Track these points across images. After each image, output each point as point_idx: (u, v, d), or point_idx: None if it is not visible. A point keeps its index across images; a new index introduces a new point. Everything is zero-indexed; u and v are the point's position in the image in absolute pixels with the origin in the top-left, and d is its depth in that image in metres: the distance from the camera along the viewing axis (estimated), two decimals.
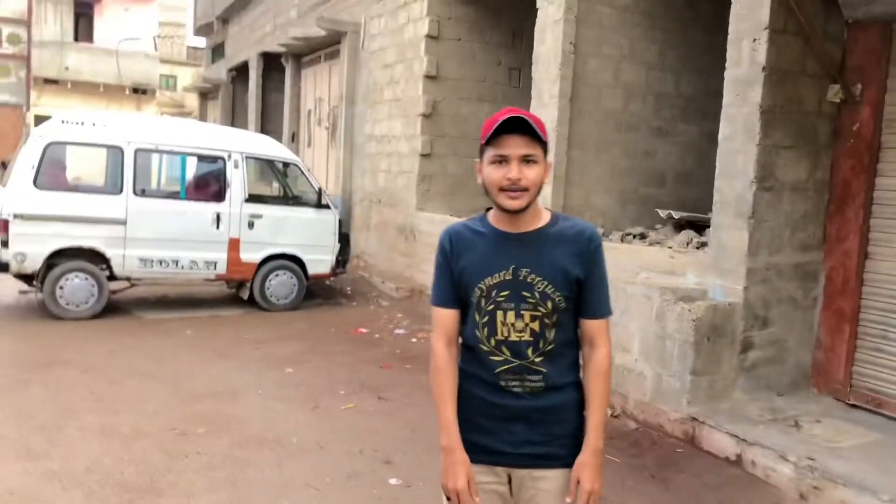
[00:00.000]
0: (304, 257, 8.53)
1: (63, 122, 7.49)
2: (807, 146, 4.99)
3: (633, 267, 5.72)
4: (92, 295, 7.50)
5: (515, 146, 1.84)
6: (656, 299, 4.99)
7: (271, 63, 15.92)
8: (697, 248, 5.71)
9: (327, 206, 8.73)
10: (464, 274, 1.95)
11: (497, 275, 1.91)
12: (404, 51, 9.85)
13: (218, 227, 8.01)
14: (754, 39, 4.80)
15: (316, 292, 9.34)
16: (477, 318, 1.94)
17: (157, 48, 29.92)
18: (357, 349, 6.98)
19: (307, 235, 8.57)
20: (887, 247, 4.79)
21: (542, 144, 1.87)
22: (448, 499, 1.97)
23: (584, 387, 2.00)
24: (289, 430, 4.75)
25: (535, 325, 1.91)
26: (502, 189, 1.86)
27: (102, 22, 28.25)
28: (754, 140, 4.78)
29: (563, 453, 1.97)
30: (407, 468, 4.20)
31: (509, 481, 2.00)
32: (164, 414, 4.94)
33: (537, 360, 1.92)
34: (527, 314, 1.91)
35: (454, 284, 1.98)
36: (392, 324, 8.03)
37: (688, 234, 6.22)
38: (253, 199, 8.30)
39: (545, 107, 6.86)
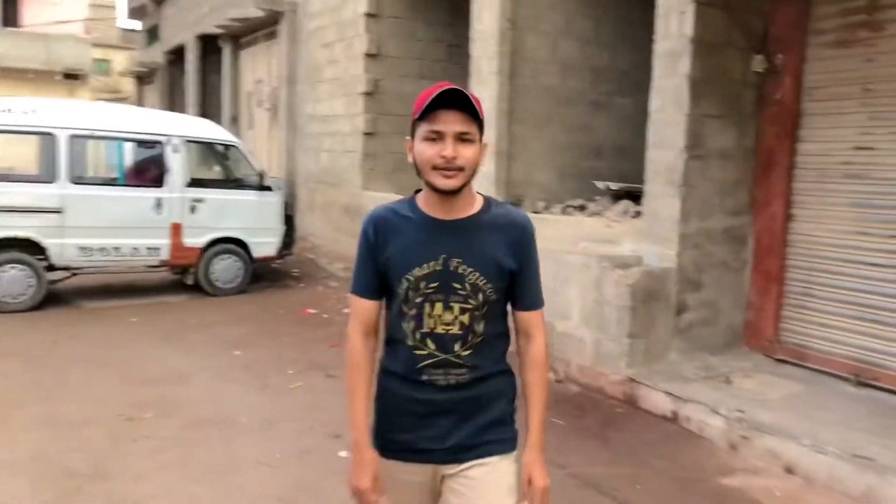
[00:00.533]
0: (249, 240, 8.47)
1: None
2: (734, 115, 5.20)
3: (573, 237, 5.88)
4: (30, 286, 7.32)
5: (451, 122, 1.71)
6: (594, 267, 5.16)
7: (209, 45, 15.63)
8: (634, 217, 5.90)
9: (270, 188, 8.67)
10: (390, 263, 1.83)
11: (426, 265, 1.79)
12: (344, 29, 9.80)
13: (159, 212, 7.89)
14: (682, 13, 4.97)
15: (262, 275, 9.30)
16: (405, 309, 1.82)
17: (89, 31, 28.92)
18: (305, 330, 7.01)
19: (251, 218, 8.51)
20: (809, 209, 5.04)
21: (479, 123, 1.75)
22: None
23: (522, 379, 1.92)
24: (238, 411, 4.78)
25: (465, 318, 1.80)
26: (436, 167, 1.73)
27: (30, 5, 27.17)
28: (683, 110, 4.96)
29: (494, 439, 1.88)
30: None
31: (441, 479, 1.90)
32: (110, 400, 4.91)
33: (464, 353, 1.82)
34: (456, 306, 1.80)
35: (377, 274, 1.86)
36: (340, 304, 8.06)
37: (625, 204, 6.41)
38: (194, 183, 8.19)
39: (484, 83, 6.95)
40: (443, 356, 1.81)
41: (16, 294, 7.25)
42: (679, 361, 5.16)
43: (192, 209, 8.08)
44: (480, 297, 1.80)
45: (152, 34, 20.80)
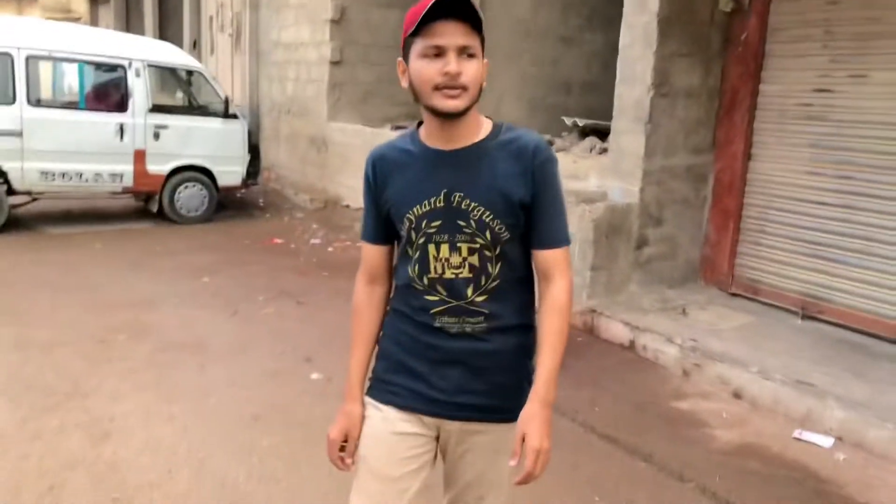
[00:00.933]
0: (214, 168, 8.41)
1: None
2: (700, 54, 5.29)
3: None
4: None
5: (452, 34, 1.50)
6: None
7: None
8: (600, 153, 6.02)
9: (235, 116, 8.57)
10: (390, 203, 1.67)
11: (427, 202, 1.61)
12: None
13: (122, 138, 7.78)
14: None
15: (227, 205, 9.26)
16: (410, 252, 1.66)
17: None
18: (273, 259, 7.07)
19: (215, 146, 8.43)
20: (767, 149, 5.21)
21: (481, 36, 1.55)
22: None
23: (538, 325, 1.67)
24: (209, 335, 4.88)
25: (475, 259, 1.61)
26: (437, 87, 1.52)
27: None
28: (652, 48, 5.03)
29: (507, 406, 1.67)
30: (327, 364, 4.42)
31: (437, 438, 1.74)
32: (80, 324, 4.95)
33: (479, 299, 1.63)
34: (464, 247, 1.61)
35: (382, 217, 1.71)
36: (307, 234, 8.11)
37: (592, 140, 6.52)
38: (157, 109, 8.06)
39: None
40: (455, 303, 1.64)
41: None
42: (638, 294, 5.38)
43: (156, 136, 7.98)
44: (489, 234, 1.60)
45: None
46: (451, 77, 1.50)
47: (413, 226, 1.63)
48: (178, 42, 13.65)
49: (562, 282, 1.65)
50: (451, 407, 1.68)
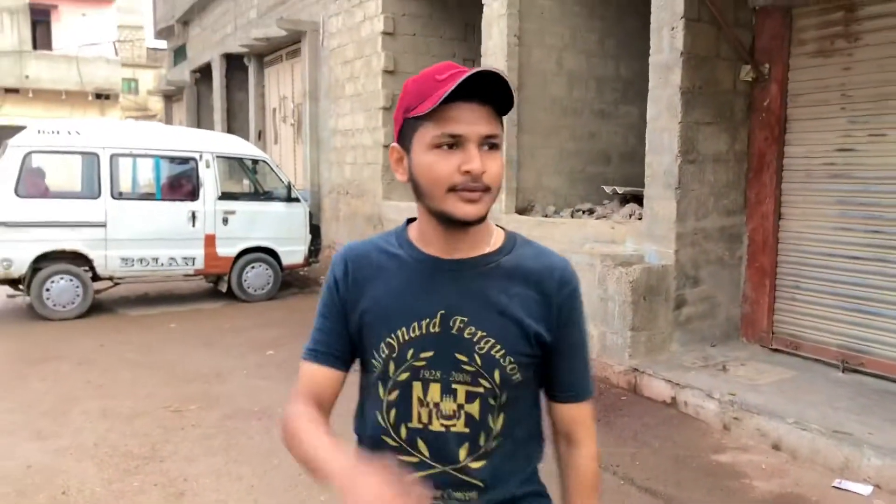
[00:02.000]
0: (278, 249, 8.99)
1: (39, 131, 7.86)
2: (725, 122, 5.58)
3: (580, 239, 6.29)
4: (77, 295, 7.90)
5: (475, 122, 1.17)
6: (598, 266, 5.56)
7: (234, 63, 16.23)
8: (639, 218, 6.29)
9: (297, 200, 9.20)
10: (365, 321, 1.30)
11: (417, 325, 1.25)
12: (362, 47, 10.30)
13: (194, 224, 8.44)
14: (672, 28, 5.36)
15: (291, 282, 9.82)
16: (380, 392, 1.29)
17: (117, 52, 29.88)
18: None
19: (280, 228, 9.03)
20: (796, 207, 5.41)
21: (502, 123, 1.24)
22: None
23: (570, 500, 1.37)
24: (274, 403, 5.24)
25: (474, 408, 1.25)
26: (454, 188, 1.19)
27: (60, 28, 28.13)
28: (677, 118, 5.35)
29: None
30: None
31: None
32: (157, 396, 5.41)
33: (474, 464, 1.26)
34: (461, 390, 1.25)
35: (345, 334, 1.33)
36: None
37: (631, 206, 6.80)
38: (226, 196, 8.74)
39: None
40: (440, 468, 1.26)
41: (65, 303, 7.82)
42: (680, 352, 5.54)
43: (225, 221, 8.62)
44: (497, 375, 1.24)
45: (179, 54, 21.53)
46: (474, 177, 1.17)
47: (394, 355, 1.26)
48: (244, 132, 14.66)
49: (591, 447, 1.37)
50: None
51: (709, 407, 4.70)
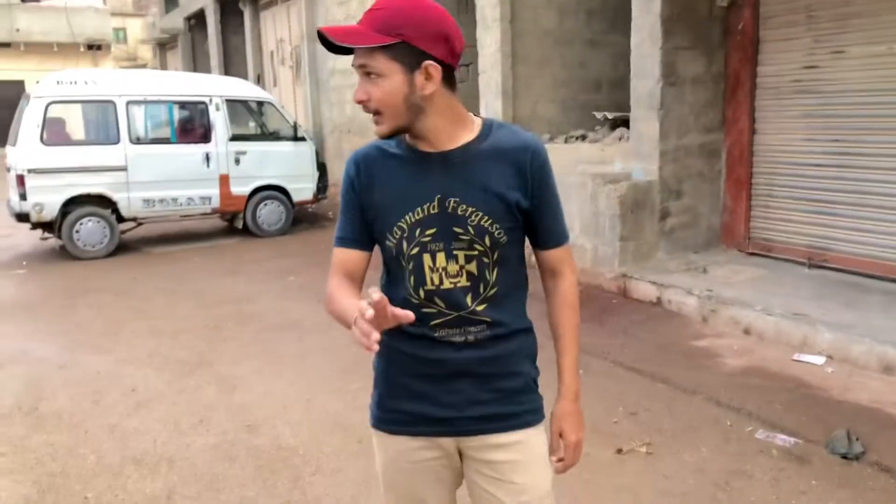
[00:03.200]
0: (289, 186, 9.51)
1: (58, 82, 8.28)
2: (703, 46, 6.03)
3: (573, 162, 6.80)
4: (105, 236, 8.45)
5: (356, 55, 1.46)
6: (589, 184, 6.10)
7: (228, 8, 16.41)
8: (627, 140, 6.79)
9: (304, 139, 9.67)
10: (379, 210, 1.56)
11: (420, 209, 1.52)
12: None
13: (208, 165, 8.94)
14: None
15: (301, 218, 10.36)
16: (402, 265, 1.56)
17: (106, 2, 29.70)
18: None
19: (289, 166, 9.53)
20: (768, 123, 5.92)
21: (395, 48, 1.42)
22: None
23: (551, 321, 1.69)
24: (302, 318, 5.86)
25: (472, 267, 1.54)
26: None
27: None
28: (657, 45, 5.81)
29: (519, 411, 1.64)
30: None
31: (460, 455, 1.66)
32: (196, 317, 6.01)
33: (479, 308, 1.56)
34: (461, 254, 1.53)
35: (365, 223, 1.59)
36: None
37: (621, 130, 7.28)
38: (236, 137, 9.21)
39: (489, 29, 7.80)
40: (455, 314, 1.56)
41: (94, 243, 8.39)
42: (665, 259, 6.13)
43: (237, 161, 9.11)
44: (487, 240, 1.53)
45: (170, 1, 21.56)
46: (362, 104, 1.48)
47: (406, 235, 1.53)
48: (242, 77, 14.96)
49: (571, 277, 1.68)
50: (464, 422, 1.60)
51: (689, 302, 5.30)
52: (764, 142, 5.96)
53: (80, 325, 5.89)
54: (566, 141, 7.68)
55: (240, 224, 9.50)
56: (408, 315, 1.28)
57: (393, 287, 1.60)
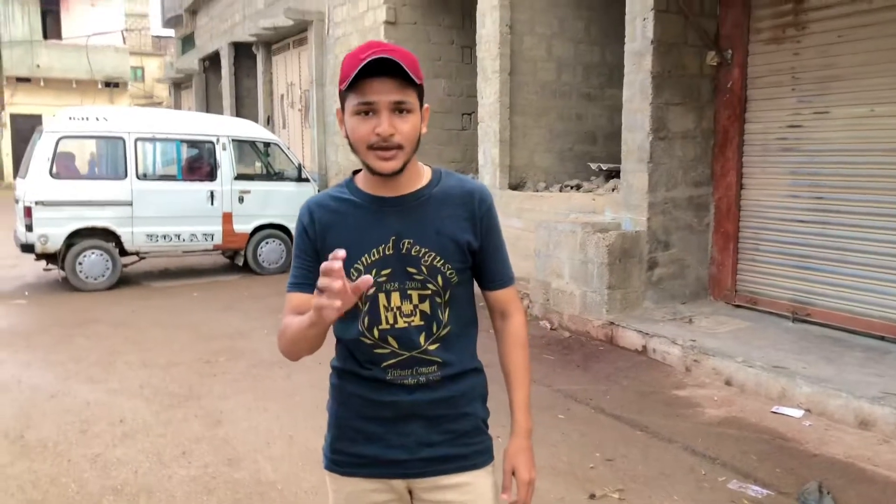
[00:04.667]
0: (290, 226, 9.67)
1: (70, 118, 8.54)
2: (692, 102, 6.22)
3: (566, 210, 6.96)
4: (107, 268, 8.61)
5: (384, 91, 1.48)
6: (579, 233, 6.24)
7: (242, 51, 16.86)
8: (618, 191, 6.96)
9: (307, 180, 9.88)
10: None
11: (375, 250, 1.58)
12: (366, 35, 10.93)
13: (212, 203, 9.13)
14: (644, 18, 6.00)
15: None
16: (357, 305, 1.53)
17: (126, 41, 30.48)
18: None
19: (292, 206, 9.70)
20: (755, 178, 6.07)
21: (417, 88, 1.53)
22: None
23: (502, 361, 1.75)
24: None
25: (426, 306, 1.60)
26: (371, 147, 1.51)
27: (69, 18, 28.73)
28: (648, 100, 6.00)
29: (469, 452, 1.68)
30: None
31: (411, 496, 1.69)
32: (189, 350, 6.12)
33: (432, 347, 1.61)
34: (414, 294, 1.59)
35: (316, 266, 1.50)
36: None
37: (614, 181, 7.46)
38: (241, 177, 9.44)
39: (489, 81, 8.03)
40: (407, 354, 1.60)
41: (96, 275, 8.54)
42: (652, 308, 6.22)
43: (241, 199, 9.31)
44: (440, 279, 1.59)
45: (187, 42, 22.15)
46: (384, 138, 1.49)
47: (362, 276, 1.46)
48: (253, 118, 15.32)
49: (519, 316, 1.75)
50: (415, 464, 1.63)
51: (673, 352, 5.38)
52: (751, 197, 6.10)
53: (76, 355, 6.00)
54: (561, 190, 7.85)
55: (241, 262, 9.66)
56: (366, 280, 1.31)
57: (346, 328, 1.63)
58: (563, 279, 6.44)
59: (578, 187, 7.87)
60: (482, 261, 1.67)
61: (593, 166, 8.04)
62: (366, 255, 1.58)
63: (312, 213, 1.64)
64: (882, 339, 5.22)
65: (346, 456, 1.67)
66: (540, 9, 8.15)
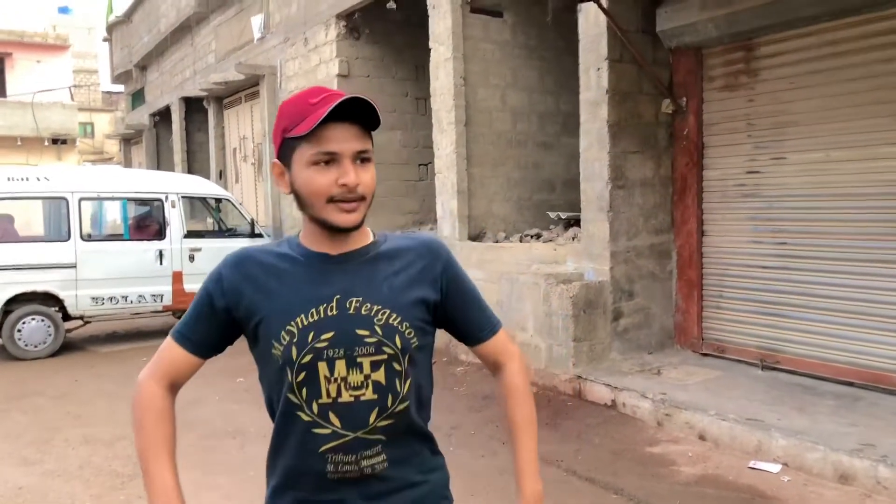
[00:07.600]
0: None
1: (9, 178, 8.17)
2: (650, 150, 6.20)
3: (527, 261, 6.83)
4: (49, 335, 8.16)
5: (347, 139, 1.34)
6: (542, 284, 6.09)
7: (193, 105, 16.63)
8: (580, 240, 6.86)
9: (261, 235, 9.60)
10: (260, 316, 1.40)
11: (314, 311, 1.37)
12: None
13: (161, 262, 8.79)
14: (598, 68, 5.99)
15: None
16: (288, 376, 1.37)
17: (74, 97, 29.99)
18: None
19: None
20: (716, 224, 6.04)
21: (371, 138, 1.40)
22: None
23: (508, 416, 1.54)
24: (246, 424, 5.62)
25: (380, 376, 1.37)
26: (332, 200, 1.35)
27: (14, 76, 28.19)
28: (606, 149, 5.95)
29: None
30: None
31: None
32: None
33: (381, 424, 1.38)
34: (365, 361, 1.36)
35: (220, 328, 1.46)
36: None
37: (574, 230, 7.37)
38: (192, 234, 9.13)
39: (444, 132, 7.95)
40: (352, 435, 1.36)
41: (37, 343, 8.09)
42: (619, 360, 6.07)
43: (191, 258, 8.98)
44: (398, 340, 1.38)
45: (137, 97, 21.83)
46: (350, 189, 1.35)
47: (295, 340, 1.36)
48: (205, 173, 15.04)
49: (513, 363, 1.56)
50: None
51: (644, 406, 5.22)
52: (713, 243, 6.06)
53: (11, 432, 5.57)
54: (521, 239, 7.74)
55: None
56: None
57: (279, 404, 1.42)
58: (527, 332, 6.27)
59: (538, 236, 7.77)
60: (456, 314, 1.50)
61: (552, 215, 7.96)
62: (301, 317, 1.37)
63: (238, 267, 1.44)
64: (850, 384, 5.14)
65: None
66: (493, 60, 8.14)
